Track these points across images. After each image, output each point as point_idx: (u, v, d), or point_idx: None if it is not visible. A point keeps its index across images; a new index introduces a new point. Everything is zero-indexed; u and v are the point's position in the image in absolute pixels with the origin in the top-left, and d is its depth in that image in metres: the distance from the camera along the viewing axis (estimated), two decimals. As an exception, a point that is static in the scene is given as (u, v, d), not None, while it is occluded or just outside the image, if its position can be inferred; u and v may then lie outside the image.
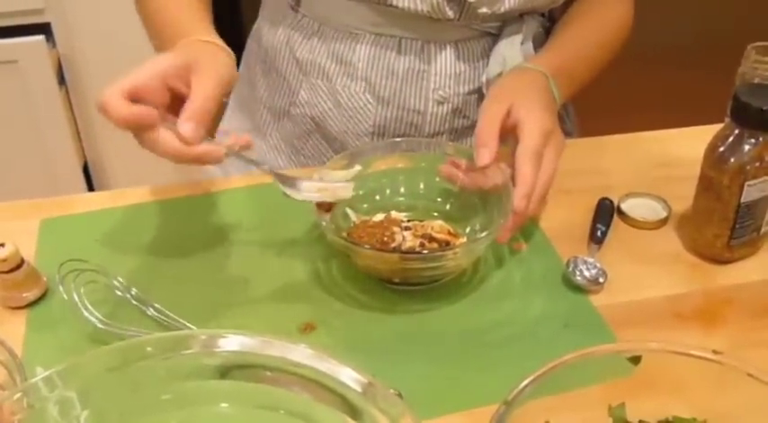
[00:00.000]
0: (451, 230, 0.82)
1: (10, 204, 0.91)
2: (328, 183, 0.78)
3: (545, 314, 0.77)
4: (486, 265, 0.82)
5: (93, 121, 1.88)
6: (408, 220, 0.84)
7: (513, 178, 0.79)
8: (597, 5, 1.01)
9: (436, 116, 0.98)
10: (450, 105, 0.98)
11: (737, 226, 0.80)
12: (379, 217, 0.84)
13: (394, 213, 0.85)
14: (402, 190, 0.87)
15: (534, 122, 0.81)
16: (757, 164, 0.77)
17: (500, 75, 0.94)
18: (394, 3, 0.90)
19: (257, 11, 1.08)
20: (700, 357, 0.55)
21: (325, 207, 0.78)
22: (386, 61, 0.95)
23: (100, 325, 0.72)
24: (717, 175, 0.79)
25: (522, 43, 0.96)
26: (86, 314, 0.72)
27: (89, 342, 0.72)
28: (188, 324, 0.73)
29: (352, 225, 0.83)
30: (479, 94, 0.98)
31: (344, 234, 0.80)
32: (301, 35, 0.98)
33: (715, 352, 0.55)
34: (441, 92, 0.97)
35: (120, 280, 0.76)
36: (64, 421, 0.48)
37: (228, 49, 0.79)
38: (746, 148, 0.77)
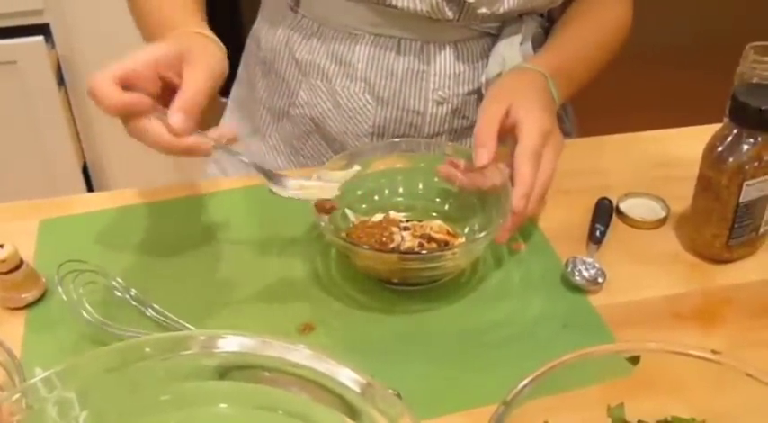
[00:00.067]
0: (450, 231, 0.82)
1: (9, 205, 0.91)
2: (314, 181, 0.77)
3: (544, 314, 0.77)
4: (485, 265, 0.83)
5: (92, 121, 1.88)
6: (407, 221, 0.84)
7: (511, 178, 0.79)
8: (596, 6, 1.01)
9: (435, 117, 0.98)
10: (449, 106, 0.98)
11: (736, 226, 0.80)
12: (378, 217, 0.84)
13: (393, 214, 0.85)
14: (401, 190, 0.87)
15: (533, 123, 0.81)
16: (756, 164, 0.77)
17: (499, 75, 0.94)
18: (393, 3, 0.90)
19: (256, 11, 1.08)
20: (698, 357, 0.55)
21: (325, 208, 0.78)
22: (385, 62, 0.95)
23: (99, 326, 0.72)
24: (715, 174, 0.79)
25: (521, 44, 0.96)
26: (85, 315, 0.72)
27: (88, 343, 0.72)
28: (187, 325, 0.73)
29: (350, 225, 0.83)
30: (479, 95, 0.98)
31: (343, 234, 0.80)
32: (301, 36, 0.98)
33: (714, 352, 0.55)
34: (440, 92, 0.97)
35: (119, 281, 0.76)
36: (63, 422, 0.48)
37: (220, 42, 0.78)
38: (745, 147, 0.77)
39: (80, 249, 0.82)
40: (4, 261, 0.74)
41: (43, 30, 1.73)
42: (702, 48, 1.93)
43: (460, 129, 1.00)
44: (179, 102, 0.67)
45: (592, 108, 1.15)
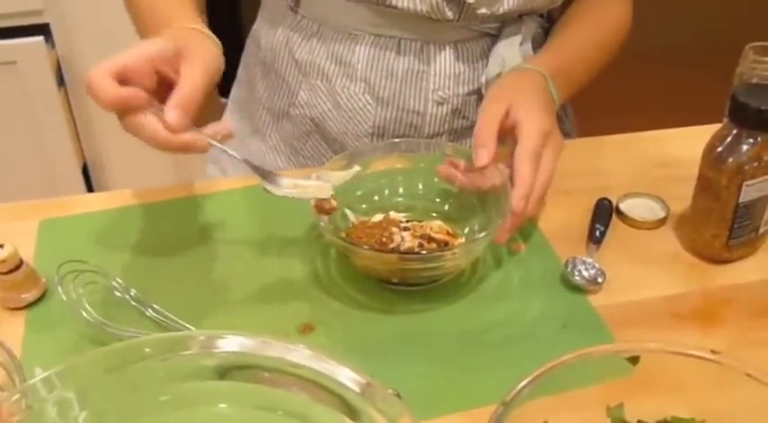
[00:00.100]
0: (450, 231, 0.82)
1: (9, 205, 0.91)
2: (308, 181, 0.77)
3: (543, 314, 0.77)
4: (485, 265, 0.83)
5: (92, 121, 1.88)
6: (407, 221, 0.84)
7: (511, 179, 0.79)
8: (596, 6, 1.01)
9: (435, 117, 0.98)
10: (449, 106, 0.98)
11: (736, 226, 0.80)
12: (378, 217, 0.84)
13: (393, 214, 0.85)
14: (401, 190, 0.87)
15: (533, 123, 0.81)
16: (755, 164, 0.77)
17: (499, 75, 0.94)
18: (393, 3, 0.90)
19: (256, 12, 1.08)
20: (698, 357, 0.55)
21: (325, 209, 0.78)
22: (385, 62, 0.95)
23: (99, 326, 0.72)
24: (715, 175, 0.79)
25: (520, 44, 0.96)
26: (85, 315, 0.72)
27: (88, 343, 0.72)
28: (187, 325, 0.73)
29: (350, 225, 0.83)
30: (479, 95, 0.98)
31: (343, 234, 0.80)
32: (300, 36, 0.98)
33: (713, 352, 0.55)
34: (440, 92, 0.97)
35: (119, 281, 0.76)
36: (62, 422, 0.48)
37: (216, 39, 0.77)
38: (744, 148, 0.77)
39: (80, 249, 0.82)
40: (3, 261, 0.74)
41: (43, 30, 1.73)
42: (702, 48, 1.93)
43: (460, 129, 1.00)
44: (175, 98, 0.67)
45: (591, 108, 1.15)
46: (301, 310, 0.77)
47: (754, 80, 0.90)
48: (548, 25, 1.03)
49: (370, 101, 0.97)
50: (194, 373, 0.50)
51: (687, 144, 0.88)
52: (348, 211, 0.84)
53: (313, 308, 0.77)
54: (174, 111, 0.66)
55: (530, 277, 0.81)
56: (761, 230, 0.83)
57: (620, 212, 0.89)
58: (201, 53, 0.71)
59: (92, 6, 1.71)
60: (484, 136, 0.80)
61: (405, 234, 0.81)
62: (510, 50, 0.96)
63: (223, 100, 1.18)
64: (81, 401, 0.48)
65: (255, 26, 1.08)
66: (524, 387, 0.52)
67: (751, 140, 0.76)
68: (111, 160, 1.95)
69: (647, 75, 1.88)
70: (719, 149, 0.78)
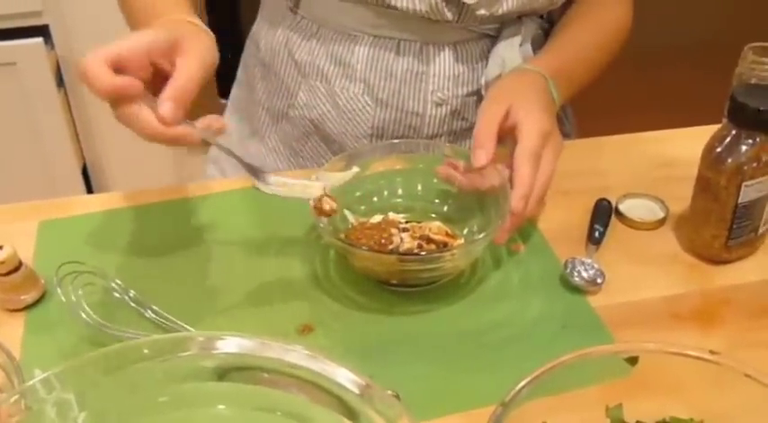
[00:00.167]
0: (449, 232, 0.82)
1: (8, 206, 0.91)
2: (297, 179, 0.76)
3: (543, 315, 0.77)
4: (484, 266, 0.83)
5: (91, 122, 1.88)
6: (406, 222, 0.84)
7: (511, 179, 0.79)
8: (596, 7, 1.01)
9: (435, 118, 0.98)
10: (448, 107, 0.98)
11: (735, 226, 0.80)
12: (377, 218, 0.84)
13: (392, 215, 0.85)
14: (400, 191, 0.87)
15: (533, 124, 0.81)
16: (754, 164, 0.77)
17: (499, 76, 0.94)
18: (393, 4, 0.90)
19: (256, 12, 1.08)
20: (697, 358, 0.55)
21: (324, 211, 0.78)
22: (384, 63, 0.95)
23: (98, 327, 0.72)
24: (714, 175, 0.79)
25: (520, 45, 0.96)
26: (84, 316, 0.72)
27: (87, 344, 0.72)
28: (186, 326, 0.73)
29: (349, 227, 0.83)
30: (478, 96, 0.98)
31: (342, 236, 0.80)
32: (300, 37, 0.98)
33: (712, 352, 0.55)
34: (439, 93, 0.97)
35: (118, 282, 0.76)
36: (61, 423, 0.48)
37: (210, 33, 0.77)
38: (744, 148, 0.77)
39: (79, 251, 0.82)
40: (3, 263, 0.74)
41: (42, 31, 1.73)
42: (702, 48, 1.93)
43: (460, 130, 1.00)
44: (170, 90, 0.66)
45: (591, 109, 1.15)
46: (300, 311, 0.77)
47: (754, 81, 0.90)
48: (548, 26, 1.03)
49: (370, 102, 0.97)
50: (193, 374, 0.50)
51: (686, 144, 0.88)
52: (347, 213, 0.84)
53: (312, 309, 0.77)
54: (167, 103, 0.66)
55: (529, 278, 0.81)
56: (760, 231, 0.83)
57: (619, 213, 0.89)
58: (197, 46, 0.71)
59: (91, 7, 1.71)
60: (483, 137, 0.80)
61: (404, 235, 0.81)
62: (510, 51, 0.96)
63: (222, 101, 1.18)
64: (80, 402, 0.48)
65: (255, 27, 1.08)
66: (523, 387, 0.52)
67: (750, 141, 0.76)
68: (111, 161, 1.95)
69: (646, 75, 1.88)
70: (719, 150, 0.78)
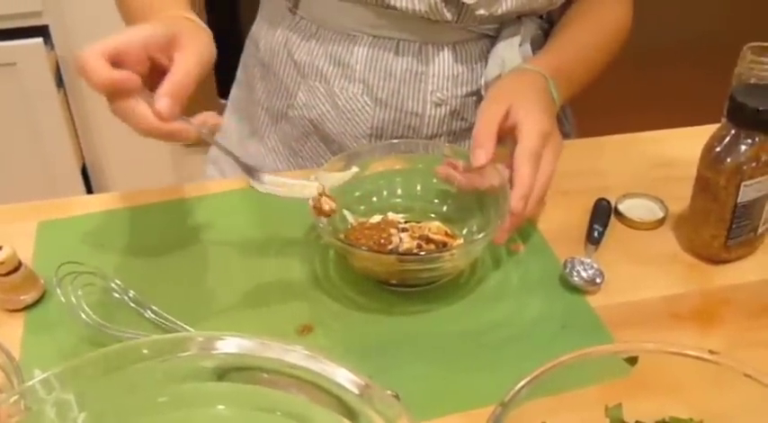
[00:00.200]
0: (449, 232, 0.82)
1: (8, 207, 0.91)
2: (292, 179, 0.75)
3: (542, 315, 0.77)
4: (484, 266, 0.83)
5: (91, 122, 1.88)
6: (405, 222, 0.84)
7: (511, 180, 0.79)
8: (596, 7, 1.01)
9: (434, 118, 0.98)
10: (447, 107, 0.98)
11: (734, 226, 0.80)
12: (377, 219, 0.84)
13: (391, 215, 0.85)
14: (399, 191, 0.87)
15: (533, 124, 0.81)
16: (754, 164, 0.77)
17: (498, 76, 0.94)
18: (392, 4, 0.90)
19: (255, 13, 1.08)
20: (696, 358, 0.55)
21: (324, 211, 0.78)
22: (384, 63, 0.95)
23: (97, 327, 0.72)
24: (713, 175, 0.79)
25: (520, 45, 0.96)
26: (84, 317, 0.72)
27: (86, 344, 0.72)
28: (185, 326, 0.73)
29: (349, 227, 0.83)
30: (478, 96, 0.98)
31: (342, 236, 0.80)
32: (299, 37, 0.98)
33: (712, 352, 0.55)
34: (438, 94, 0.97)
35: (118, 282, 0.77)
36: (61, 423, 0.48)
37: (207, 28, 0.76)
38: (743, 148, 0.77)
39: (78, 251, 0.82)
40: (2, 263, 0.74)
41: (42, 31, 1.73)
42: (701, 48, 1.93)
43: (459, 130, 1.00)
44: (167, 85, 0.66)
45: (590, 109, 1.15)
46: (300, 312, 0.77)
47: (753, 80, 0.90)
48: (547, 27, 1.03)
49: (369, 102, 0.97)
50: (193, 374, 0.50)
51: (686, 144, 0.88)
52: (347, 213, 0.84)
53: (312, 309, 0.77)
54: (164, 98, 0.65)
55: (528, 278, 0.81)
56: (759, 230, 0.83)
57: (618, 213, 0.89)
58: (195, 42, 0.70)
59: (91, 8, 1.71)
60: (482, 137, 0.80)
61: (403, 235, 0.81)
62: (509, 51, 0.96)
63: (222, 101, 1.18)
64: (80, 403, 0.48)
65: (254, 27, 1.08)
66: (523, 387, 0.52)
67: (749, 141, 0.77)
68: (111, 161, 1.95)
69: (645, 75, 1.88)
70: (718, 150, 0.78)
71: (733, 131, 0.77)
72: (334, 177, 0.82)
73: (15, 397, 0.47)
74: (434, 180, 0.86)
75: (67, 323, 0.73)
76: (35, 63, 1.73)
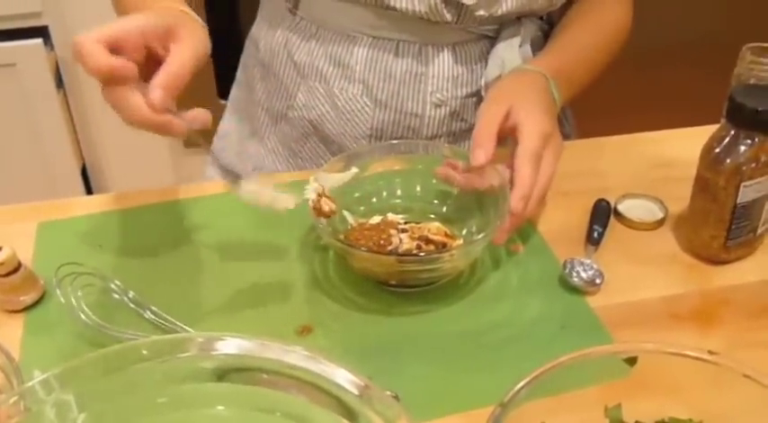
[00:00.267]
0: (448, 232, 0.82)
1: (8, 207, 0.91)
2: (271, 190, 0.74)
3: (542, 315, 0.77)
4: (483, 266, 0.83)
5: (91, 123, 1.88)
6: (405, 223, 0.84)
7: (511, 180, 0.79)
8: (596, 8, 1.01)
9: (434, 119, 0.98)
10: (447, 108, 0.98)
11: (734, 227, 0.80)
12: (376, 219, 0.84)
13: (391, 216, 0.85)
14: (399, 192, 0.87)
15: (534, 125, 0.81)
16: (753, 165, 0.77)
17: (498, 77, 0.94)
18: (392, 5, 0.90)
19: (255, 13, 1.08)
20: (696, 358, 0.55)
21: (323, 212, 0.78)
22: (383, 64, 0.96)
23: (97, 328, 0.72)
24: (713, 176, 0.79)
25: (520, 46, 0.96)
26: (83, 317, 0.72)
27: (86, 345, 0.72)
28: (185, 327, 0.73)
29: (348, 227, 0.83)
30: (477, 98, 0.98)
31: (341, 236, 0.80)
32: (299, 38, 0.98)
33: (711, 353, 0.55)
34: (438, 95, 0.97)
35: (118, 283, 0.77)
36: (61, 424, 0.48)
37: (202, 22, 0.76)
38: (742, 148, 0.77)
39: (78, 252, 0.82)
40: (2, 264, 0.74)
41: (42, 32, 1.73)
42: (700, 48, 1.94)
43: (459, 131, 1.00)
44: (162, 76, 0.66)
45: (590, 109, 1.15)
46: (300, 312, 0.77)
47: (752, 81, 0.90)
48: (547, 28, 1.03)
49: (368, 103, 0.97)
50: (192, 375, 0.50)
51: (685, 145, 0.88)
52: (346, 213, 0.84)
53: (311, 310, 0.77)
54: (158, 89, 0.65)
55: (528, 278, 0.81)
56: (759, 231, 0.83)
57: (618, 213, 0.89)
58: (191, 34, 0.70)
59: (90, 8, 1.71)
60: (482, 137, 0.80)
61: (403, 236, 0.81)
62: (509, 52, 0.96)
63: (222, 102, 1.18)
64: (79, 403, 0.48)
65: (254, 28, 1.08)
66: (522, 388, 0.52)
67: (749, 141, 0.77)
68: (110, 162, 1.95)
69: (645, 75, 1.88)
70: (717, 150, 0.78)
71: (732, 132, 0.77)
72: (334, 178, 0.82)
73: (15, 398, 0.47)
74: (434, 181, 0.86)
75: (67, 324, 0.73)
76: (35, 64, 1.73)
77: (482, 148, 0.79)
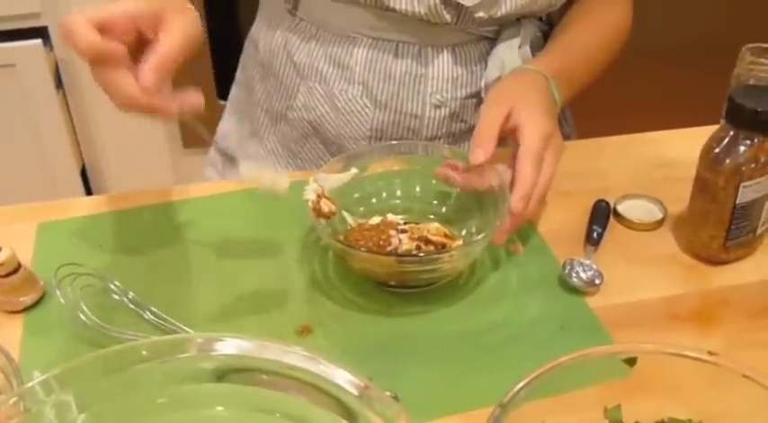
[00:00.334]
0: (448, 233, 0.82)
1: (7, 208, 0.91)
2: (271, 172, 0.75)
3: (541, 316, 0.77)
4: (483, 267, 0.83)
5: (90, 124, 1.88)
6: (404, 223, 0.84)
7: (512, 180, 0.79)
8: (596, 8, 1.01)
9: (434, 120, 0.98)
10: (447, 109, 0.98)
11: (733, 227, 0.80)
12: (376, 220, 0.84)
13: (390, 216, 0.85)
14: (398, 193, 0.87)
15: (535, 126, 0.81)
16: (752, 165, 0.77)
17: (498, 78, 0.94)
18: (391, 6, 0.90)
19: (255, 14, 1.08)
20: (695, 359, 0.55)
21: (323, 213, 0.78)
22: (383, 65, 0.96)
23: (97, 329, 0.72)
24: (712, 176, 0.79)
25: (519, 47, 0.96)
26: (83, 318, 0.72)
27: (86, 346, 0.72)
28: (184, 327, 0.73)
29: (348, 228, 0.83)
30: (477, 99, 0.98)
31: (341, 237, 0.80)
32: (299, 38, 0.98)
33: (710, 353, 0.55)
34: (438, 96, 0.97)
35: (117, 284, 0.77)
36: (60, 425, 0.48)
37: (193, 8, 0.75)
38: (741, 149, 0.77)
39: (78, 252, 0.82)
40: (1, 264, 0.74)
41: (41, 33, 1.73)
42: (700, 49, 1.94)
43: (459, 133, 1.00)
44: (152, 58, 0.66)
45: (590, 109, 1.15)
46: (299, 313, 0.77)
47: (751, 81, 0.90)
48: (547, 29, 1.03)
49: (368, 104, 0.97)
50: (192, 375, 0.50)
51: (685, 145, 0.88)
52: (346, 214, 0.84)
53: (311, 310, 0.77)
54: (149, 72, 0.65)
55: (528, 279, 0.81)
56: (758, 231, 0.83)
57: (617, 214, 0.89)
58: (181, 18, 0.70)
59: (90, 9, 1.71)
60: (482, 138, 0.80)
61: (402, 236, 0.81)
62: (509, 53, 0.96)
63: (222, 102, 1.18)
64: (79, 404, 0.48)
65: (254, 28, 1.08)
66: (522, 388, 0.52)
67: (748, 142, 0.77)
68: (110, 163, 1.95)
69: (645, 76, 1.88)
70: (717, 151, 0.78)
71: (732, 132, 0.77)
72: (334, 179, 0.82)
73: (15, 398, 0.47)
74: (433, 181, 0.86)
75: (67, 324, 0.73)
76: (34, 64, 1.73)
77: (481, 147, 0.79)
